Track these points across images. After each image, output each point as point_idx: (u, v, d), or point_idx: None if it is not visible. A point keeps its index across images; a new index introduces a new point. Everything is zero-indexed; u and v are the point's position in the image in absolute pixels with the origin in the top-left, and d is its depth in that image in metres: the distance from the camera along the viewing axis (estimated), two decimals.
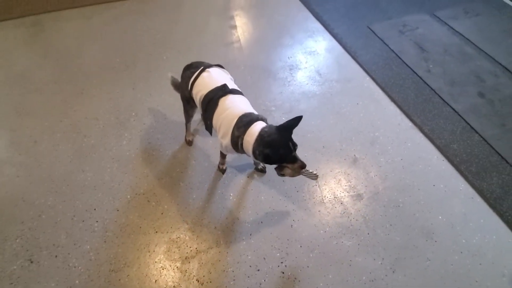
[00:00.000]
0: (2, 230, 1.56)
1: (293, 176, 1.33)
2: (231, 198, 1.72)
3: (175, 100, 2.01)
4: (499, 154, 1.93)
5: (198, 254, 1.51)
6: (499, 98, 2.27)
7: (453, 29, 2.81)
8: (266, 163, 1.37)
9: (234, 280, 1.44)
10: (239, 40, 2.65)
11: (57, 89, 2.19)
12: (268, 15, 2.91)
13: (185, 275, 1.45)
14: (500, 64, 2.51)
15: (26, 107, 2.08)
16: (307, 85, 2.34)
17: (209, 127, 1.51)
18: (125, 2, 2.92)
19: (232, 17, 2.86)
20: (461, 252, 1.55)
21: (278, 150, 1.24)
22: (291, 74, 2.41)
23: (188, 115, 1.78)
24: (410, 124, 2.11)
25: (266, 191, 1.75)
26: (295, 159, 1.28)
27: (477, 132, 2.05)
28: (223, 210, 1.67)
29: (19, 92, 2.16)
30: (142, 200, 1.68)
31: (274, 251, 1.53)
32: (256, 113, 1.39)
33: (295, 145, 1.28)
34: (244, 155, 1.43)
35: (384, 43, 2.68)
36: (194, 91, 1.51)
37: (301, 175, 1.34)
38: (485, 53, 2.60)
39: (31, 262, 1.46)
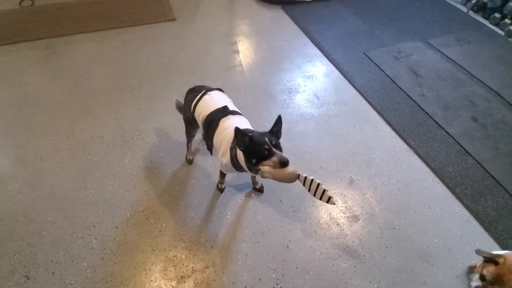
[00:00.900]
0: (1, 246, 1.58)
1: (278, 177, 1.20)
2: (228, 217, 1.74)
3: (178, 120, 2.09)
4: (493, 177, 1.96)
5: (194, 273, 1.52)
6: (491, 122, 2.33)
7: (446, 56, 2.94)
8: (247, 160, 1.29)
9: None
10: (241, 64, 2.78)
11: (66, 108, 2.29)
12: (269, 41, 3.07)
13: None
14: (492, 89, 2.59)
15: (34, 126, 2.16)
16: (305, 107, 2.42)
17: (210, 146, 1.59)
18: (135, 28, 3.10)
19: (235, 43, 3.01)
20: (458, 276, 1.54)
21: (252, 138, 1.24)
22: (290, 97, 2.50)
23: (190, 135, 1.85)
24: (405, 146, 2.16)
25: (263, 210, 1.78)
26: (271, 153, 1.20)
27: (471, 155, 2.09)
28: (220, 229, 1.69)
29: (28, 111, 2.25)
30: (141, 218, 1.71)
31: (270, 272, 1.53)
32: (253, 129, 1.45)
33: (273, 141, 1.24)
34: (243, 173, 1.46)
35: (380, 68, 2.79)
36: (196, 113, 1.60)
37: (312, 194, 1.19)
38: (477, 78, 2.70)
39: (28, 278, 1.47)
